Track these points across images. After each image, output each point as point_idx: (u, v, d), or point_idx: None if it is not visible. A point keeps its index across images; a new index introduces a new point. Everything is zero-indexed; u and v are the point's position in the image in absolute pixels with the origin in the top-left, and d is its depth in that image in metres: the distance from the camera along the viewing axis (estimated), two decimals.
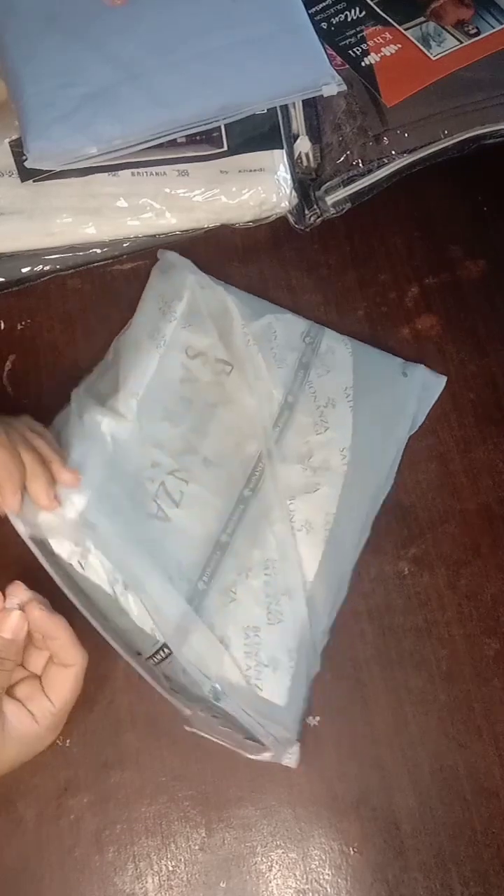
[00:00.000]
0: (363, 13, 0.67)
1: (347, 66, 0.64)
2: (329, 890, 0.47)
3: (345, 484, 0.52)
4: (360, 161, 0.62)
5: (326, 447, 0.53)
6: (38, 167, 0.56)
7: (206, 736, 0.47)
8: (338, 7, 0.67)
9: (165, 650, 0.46)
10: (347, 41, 0.65)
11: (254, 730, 0.45)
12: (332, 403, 0.55)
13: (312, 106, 0.62)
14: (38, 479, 0.45)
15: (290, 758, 0.46)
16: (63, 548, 0.47)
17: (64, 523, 0.47)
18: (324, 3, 0.68)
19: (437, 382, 0.58)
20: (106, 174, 0.58)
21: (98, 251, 0.61)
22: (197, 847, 0.47)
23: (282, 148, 0.61)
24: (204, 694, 0.46)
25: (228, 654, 0.47)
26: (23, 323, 0.60)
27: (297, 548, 0.50)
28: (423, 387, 0.57)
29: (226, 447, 0.53)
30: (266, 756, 0.46)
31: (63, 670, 0.43)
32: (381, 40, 0.65)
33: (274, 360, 0.56)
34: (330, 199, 0.62)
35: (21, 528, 0.46)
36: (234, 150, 0.60)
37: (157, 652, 0.46)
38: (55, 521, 0.47)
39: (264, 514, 0.51)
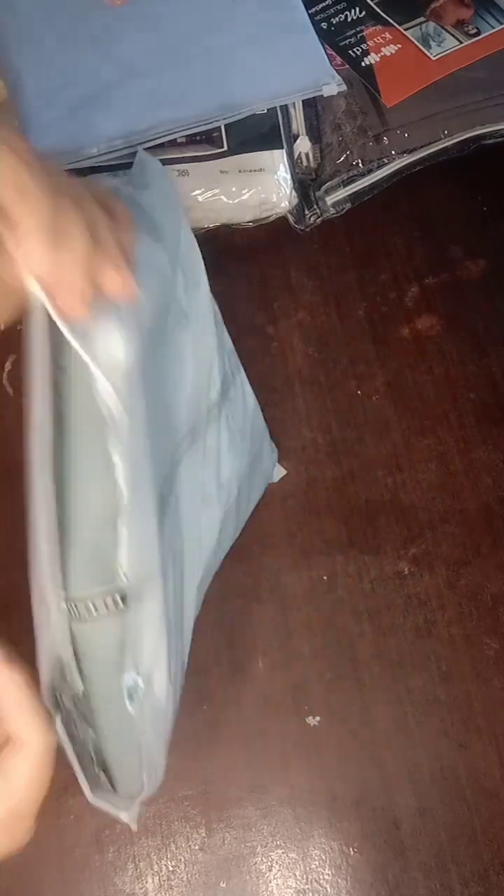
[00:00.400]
0: (363, 13, 0.67)
1: (347, 66, 0.64)
2: (329, 890, 0.47)
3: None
4: (360, 161, 0.62)
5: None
6: None
7: (63, 739, 0.35)
8: (338, 7, 0.67)
9: (111, 604, 0.34)
10: (347, 41, 0.65)
11: (144, 755, 0.36)
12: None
13: (312, 106, 0.62)
14: (78, 260, 0.31)
15: (132, 813, 0.36)
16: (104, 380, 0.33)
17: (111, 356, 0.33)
18: (324, 3, 0.68)
19: (277, 470, 0.55)
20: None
21: None
22: (197, 847, 0.47)
23: (282, 148, 0.61)
24: (98, 682, 0.35)
25: (174, 644, 0.37)
26: (23, 323, 0.60)
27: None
28: (271, 463, 0.54)
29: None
30: (104, 801, 0.36)
31: (19, 751, 0.31)
32: (381, 40, 0.65)
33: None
34: (330, 199, 0.62)
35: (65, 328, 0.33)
36: (234, 151, 0.60)
37: (101, 596, 0.33)
38: (105, 348, 0.33)
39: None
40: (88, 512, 0.34)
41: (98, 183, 0.35)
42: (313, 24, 0.62)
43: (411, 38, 0.65)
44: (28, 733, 0.31)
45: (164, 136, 0.56)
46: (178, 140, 0.58)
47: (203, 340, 0.44)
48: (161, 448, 0.37)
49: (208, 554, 0.46)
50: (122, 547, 0.33)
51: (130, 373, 0.33)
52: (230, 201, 0.60)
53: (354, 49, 0.65)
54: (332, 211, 0.62)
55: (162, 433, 0.38)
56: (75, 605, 0.33)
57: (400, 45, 0.64)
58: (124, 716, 0.35)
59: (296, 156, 0.62)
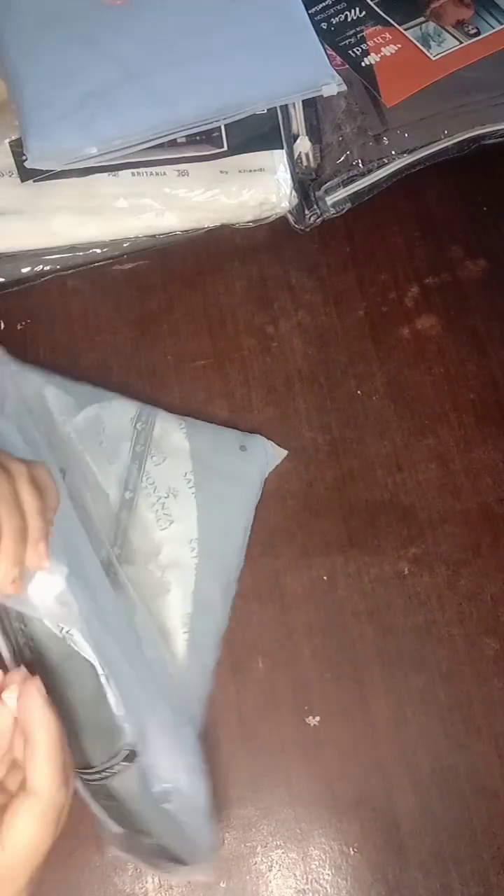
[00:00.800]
0: (363, 13, 0.67)
1: (347, 66, 0.64)
2: (329, 890, 0.47)
3: (197, 579, 0.49)
4: (360, 161, 0.62)
5: (173, 542, 0.50)
6: (38, 167, 0.56)
7: (128, 857, 0.44)
8: (338, 7, 0.67)
9: (123, 763, 0.41)
10: (347, 41, 0.65)
11: (198, 837, 0.43)
12: (174, 493, 0.51)
13: (312, 106, 0.62)
14: (7, 553, 0.36)
15: (207, 871, 0.44)
16: (50, 619, 0.40)
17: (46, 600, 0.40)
18: (324, 3, 0.68)
19: (277, 452, 0.56)
20: (106, 174, 0.58)
21: (98, 251, 0.61)
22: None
23: (282, 148, 0.61)
24: (138, 808, 0.41)
25: (178, 755, 0.43)
26: (23, 323, 0.60)
27: (163, 654, 0.47)
28: (264, 457, 0.55)
29: (81, 557, 0.46)
30: (183, 874, 0.44)
31: (24, 800, 0.30)
32: (381, 40, 0.65)
33: (104, 455, 0.51)
34: (330, 199, 0.62)
35: None
36: (234, 150, 0.60)
37: (112, 764, 0.41)
38: (37, 597, 0.39)
39: (129, 620, 0.47)
40: (85, 705, 0.40)
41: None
42: (313, 24, 0.61)
43: (411, 38, 0.65)
44: (40, 784, 0.30)
45: (164, 136, 0.56)
46: (178, 140, 0.58)
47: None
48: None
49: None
50: (116, 705, 0.39)
51: (73, 609, 0.39)
52: (230, 201, 0.60)
53: (354, 49, 0.65)
54: (332, 211, 0.62)
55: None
56: (100, 773, 0.41)
57: (400, 45, 0.64)
58: (168, 817, 0.42)
59: (296, 156, 0.61)
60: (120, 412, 0.53)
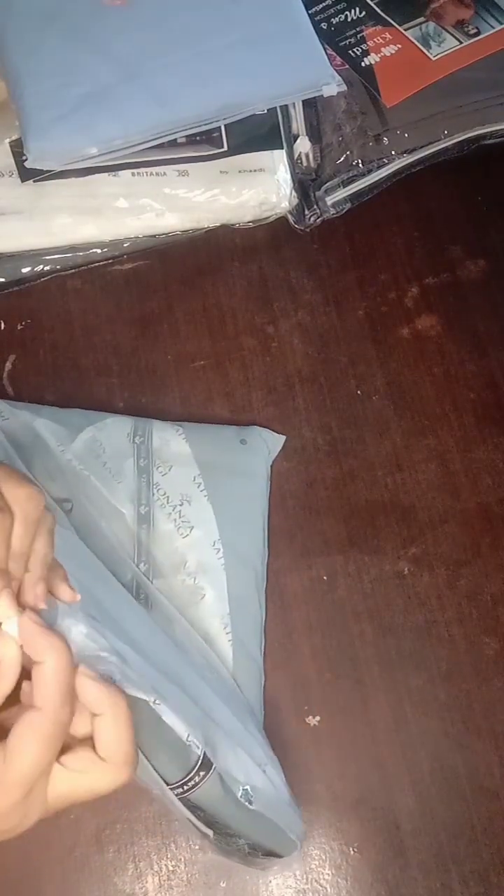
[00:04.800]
0: (363, 13, 0.67)
1: (347, 66, 0.64)
2: (329, 890, 0.47)
3: (228, 578, 0.49)
4: (360, 161, 0.62)
5: (198, 547, 0.50)
6: (38, 167, 0.56)
7: (226, 858, 0.45)
8: (338, 7, 0.67)
9: (200, 773, 0.42)
10: (347, 41, 0.65)
11: (287, 828, 0.44)
12: (188, 499, 0.51)
13: (312, 106, 0.62)
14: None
15: (299, 856, 0.45)
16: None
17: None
18: (324, 3, 0.68)
19: (276, 439, 0.56)
20: (106, 174, 0.58)
21: (98, 251, 0.61)
22: (197, 847, 0.47)
23: (282, 148, 0.61)
24: (224, 814, 0.43)
25: (246, 755, 0.44)
26: (23, 323, 0.60)
27: (211, 659, 0.47)
28: (265, 446, 0.55)
29: (105, 588, 0.46)
30: (279, 866, 0.45)
31: (27, 715, 0.32)
32: (381, 40, 0.65)
33: (111, 476, 0.51)
34: (330, 200, 0.62)
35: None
36: (234, 151, 0.60)
37: (191, 777, 0.42)
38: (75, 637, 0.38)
39: (169, 634, 0.47)
40: (148, 728, 0.40)
41: (12, 475, 0.37)
42: (313, 24, 0.61)
43: (411, 38, 0.65)
44: (43, 699, 0.31)
45: (164, 136, 0.56)
46: (178, 140, 0.58)
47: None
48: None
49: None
50: (176, 725, 0.39)
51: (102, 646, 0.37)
52: (230, 201, 0.60)
53: (354, 49, 0.65)
54: (332, 211, 0.62)
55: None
56: (182, 788, 0.42)
57: (400, 46, 0.64)
58: (255, 815, 0.43)
59: (296, 156, 0.61)
60: (115, 430, 0.53)
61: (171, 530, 0.50)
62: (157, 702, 0.39)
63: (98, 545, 0.48)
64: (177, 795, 0.41)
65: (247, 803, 0.42)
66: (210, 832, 0.43)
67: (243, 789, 0.42)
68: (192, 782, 0.41)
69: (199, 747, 0.41)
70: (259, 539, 0.52)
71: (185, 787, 0.41)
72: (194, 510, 0.51)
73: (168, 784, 0.41)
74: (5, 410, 0.52)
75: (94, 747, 0.33)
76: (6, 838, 0.33)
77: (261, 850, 0.44)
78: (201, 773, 0.41)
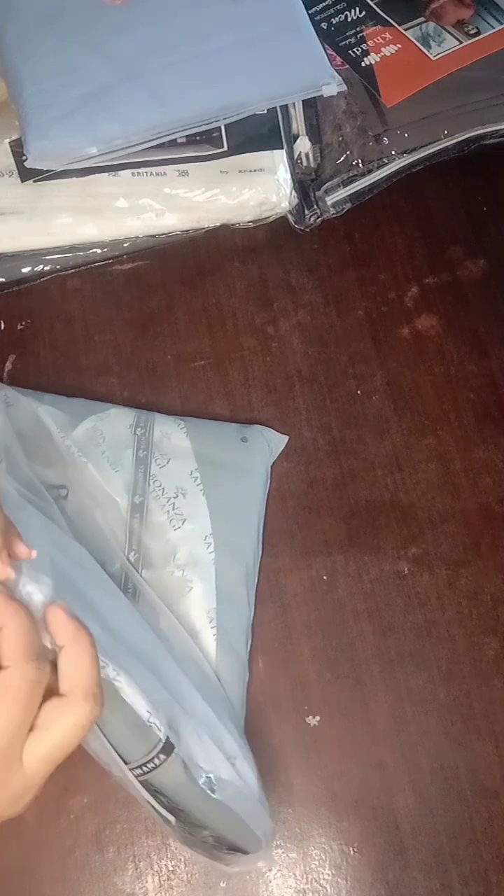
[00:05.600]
0: (363, 13, 0.67)
1: (347, 66, 0.64)
2: (329, 890, 0.47)
3: (217, 573, 0.50)
4: (360, 161, 0.62)
5: (189, 540, 0.50)
6: (38, 167, 0.56)
7: (190, 849, 0.43)
8: (338, 7, 0.67)
9: (161, 756, 0.41)
10: (347, 41, 0.65)
11: (253, 824, 0.43)
12: (182, 492, 0.51)
13: (312, 106, 0.62)
14: None
15: (268, 857, 0.44)
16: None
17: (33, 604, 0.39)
18: (324, 3, 0.68)
19: (278, 439, 0.56)
20: (106, 174, 0.58)
21: (98, 251, 0.61)
22: None
23: (282, 148, 0.61)
24: (186, 801, 0.42)
25: (213, 745, 0.43)
26: (23, 323, 0.60)
27: (194, 652, 0.47)
28: (266, 446, 0.55)
29: (94, 575, 0.47)
30: (243, 863, 0.43)
31: (65, 706, 0.33)
32: (381, 40, 0.65)
33: (108, 465, 0.52)
34: (330, 200, 0.62)
35: None
36: (234, 151, 0.60)
37: (151, 758, 0.41)
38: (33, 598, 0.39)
39: (153, 624, 0.47)
40: (113, 712, 0.39)
41: None
42: (313, 24, 0.61)
43: (411, 38, 0.65)
44: (84, 696, 0.33)
45: (164, 136, 0.56)
46: (178, 140, 0.58)
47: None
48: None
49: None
50: (137, 703, 0.39)
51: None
52: (230, 201, 0.60)
53: (354, 49, 0.65)
54: (332, 211, 0.62)
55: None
56: (141, 768, 0.40)
57: (400, 45, 0.64)
58: (219, 806, 0.42)
59: (296, 156, 0.62)
60: (118, 421, 0.54)
61: (164, 522, 0.51)
62: (116, 675, 0.39)
63: (90, 533, 0.49)
64: (136, 777, 0.41)
65: (209, 791, 0.42)
66: (172, 819, 0.42)
67: (206, 776, 0.42)
68: (153, 764, 0.41)
69: (160, 730, 0.41)
70: (252, 537, 0.52)
71: (145, 769, 0.41)
72: (188, 503, 0.51)
73: (126, 763, 0.40)
74: (10, 396, 0.53)
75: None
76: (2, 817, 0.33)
77: (225, 843, 0.43)
78: (161, 757, 0.41)
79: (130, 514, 0.51)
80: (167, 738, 0.41)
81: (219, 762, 0.43)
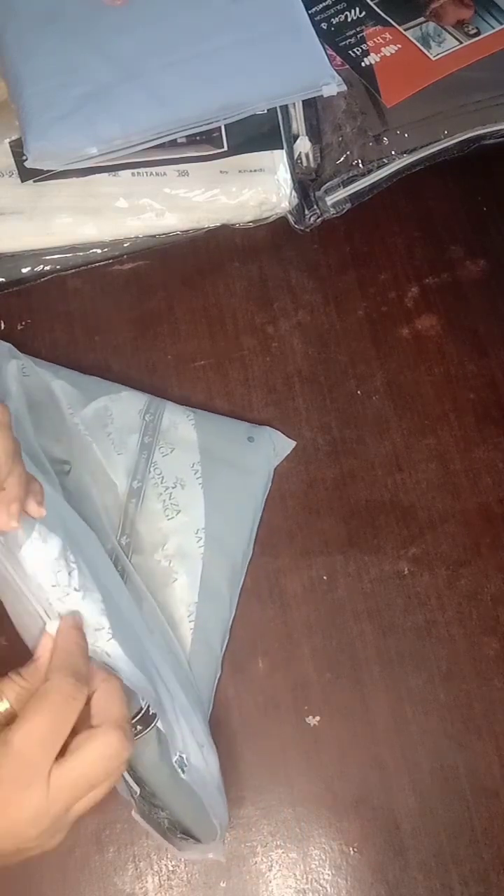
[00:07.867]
0: (363, 13, 0.67)
1: (347, 66, 0.64)
2: (329, 890, 0.47)
3: (203, 568, 0.50)
4: (360, 161, 0.62)
5: (180, 532, 0.50)
6: (38, 167, 0.56)
7: (144, 825, 0.44)
8: (338, 7, 0.67)
9: (138, 727, 0.42)
10: (347, 41, 0.65)
11: (212, 811, 0.43)
12: (181, 483, 0.51)
13: (312, 106, 0.62)
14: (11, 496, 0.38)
15: (219, 850, 0.44)
16: (45, 581, 0.40)
17: (48, 558, 0.40)
18: (324, 3, 0.68)
19: (285, 443, 0.56)
20: (106, 174, 0.58)
21: (98, 251, 0.61)
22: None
23: (282, 148, 0.61)
24: (155, 776, 0.43)
25: (188, 728, 0.44)
26: (23, 323, 0.60)
27: (171, 641, 0.48)
28: (272, 448, 0.55)
29: (91, 551, 0.46)
30: (194, 851, 0.44)
31: (93, 733, 0.35)
32: (381, 40, 0.65)
33: (113, 447, 0.52)
34: (330, 200, 0.62)
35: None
36: (234, 151, 0.60)
37: (132, 723, 0.41)
38: (40, 554, 0.40)
39: (138, 608, 0.47)
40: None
41: None
42: (313, 24, 0.61)
43: (411, 38, 0.65)
44: (114, 726, 0.35)
45: (164, 136, 0.56)
46: (179, 140, 0.58)
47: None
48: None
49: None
50: (125, 666, 0.40)
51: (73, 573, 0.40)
52: (230, 201, 0.60)
53: (354, 49, 0.65)
54: (332, 211, 0.62)
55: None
56: None
57: (400, 46, 0.64)
58: (184, 788, 0.42)
59: (296, 156, 0.61)
60: (128, 404, 0.54)
61: (159, 510, 0.51)
62: (110, 637, 0.39)
63: (86, 511, 0.49)
64: None
65: (180, 770, 0.42)
66: (137, 790, 0.43)
67: (179, 755, 0.42)
68: (132, 731, 0.41)
69: (143, 699, 0.41)
70: (244, 537, 0.52)
71: None
72: (185, 495, 0.51)
73: None
74: (28, 367, 0.53)
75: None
76: (42, 844, 0.35)
77: (180, 828, 0.44)
78: (138, 727, 0.42)
79: (127, 498, 0.51)
80: (148, 706, 0.41)
81: (190, 744, 0.43)
